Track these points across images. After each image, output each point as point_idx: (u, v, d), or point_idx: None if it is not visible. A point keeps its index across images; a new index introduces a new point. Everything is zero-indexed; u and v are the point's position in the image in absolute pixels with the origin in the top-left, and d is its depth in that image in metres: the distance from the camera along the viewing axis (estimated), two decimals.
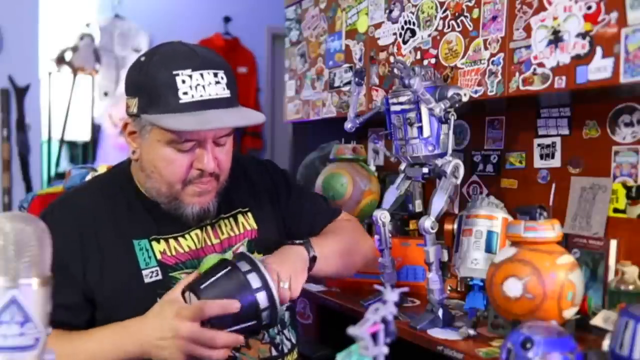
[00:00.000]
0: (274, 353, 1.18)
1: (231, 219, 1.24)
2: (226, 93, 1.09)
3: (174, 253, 1.15)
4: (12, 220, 0.65)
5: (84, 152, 4.02)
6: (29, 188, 3.36)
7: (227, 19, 4.39)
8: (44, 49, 3.57)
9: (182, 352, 0.97)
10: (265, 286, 0.99)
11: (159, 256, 1.13)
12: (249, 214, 1.27)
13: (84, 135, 3.97)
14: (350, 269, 1.35)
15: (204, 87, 1.06)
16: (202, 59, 1.09)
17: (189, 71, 1.05)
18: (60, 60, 3.82)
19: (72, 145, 4.00)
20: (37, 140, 3.47)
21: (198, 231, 1.19)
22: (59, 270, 1.05)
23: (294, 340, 1.25)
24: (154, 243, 1.14)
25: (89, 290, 1.10)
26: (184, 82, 1.05)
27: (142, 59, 1.12)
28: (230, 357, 1.11)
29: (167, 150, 1.09)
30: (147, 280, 1.11)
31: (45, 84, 3.73)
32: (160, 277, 1.12)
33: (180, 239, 1.17)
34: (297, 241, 1.18)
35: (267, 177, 1.34)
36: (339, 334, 0.98)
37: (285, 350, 1.21)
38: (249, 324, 0.99)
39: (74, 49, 3.83)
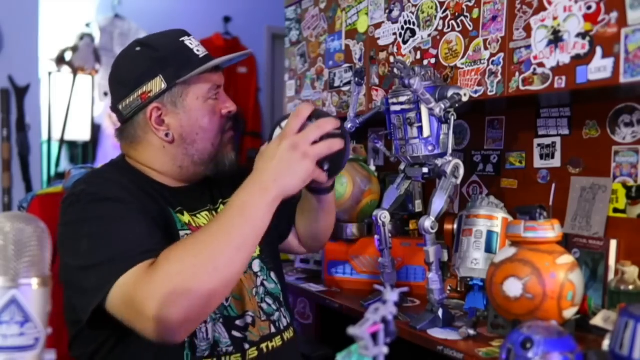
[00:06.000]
0: (273, 330, 1.22)
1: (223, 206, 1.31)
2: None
3: (196, 225, 1.20)
4: (12, 220, 0.65)
5: (84, 152, 4.01)
6: (29, 188, 3.36)
7: (227, 19, 4.39)
8: (44, 49, 3.57)
9: (310, 158, 1.03)
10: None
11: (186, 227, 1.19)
12: None
13: (84, 135, 3.96)
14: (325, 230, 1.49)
15: (200, 46, 1.24)
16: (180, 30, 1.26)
17: (185, 37, 1.22)
18: (60, 60, 3.82)
19: (72, 145, 3.99)
20: (37, 140, 3.46)
21: (207, 213, 1.25)
22: (144, 218, 1.07)
23: (289, 319, 1.29)
24: (178, 214, 1.19)
25: None
26: (191, 43, 1.21)
27: (138, 48, 1.21)
28: (241, 338, 1.15)
29: (207, 103, 1.21)
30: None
31: (45, 84, 3.73)
32: None
33: (195, 217, 1.22)
34: None
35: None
36: (339, 334, 0.98)
37: (282, 328, 1.25)
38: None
39: (74, 49, 3.83)
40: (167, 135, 1.19)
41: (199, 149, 1.20)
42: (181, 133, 1.19)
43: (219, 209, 1.29)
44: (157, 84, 1.16)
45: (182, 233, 1.16)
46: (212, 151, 1.22)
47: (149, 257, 0.98)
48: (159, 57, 1.17)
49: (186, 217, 1.20)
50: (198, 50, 1.20)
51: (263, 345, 1.18)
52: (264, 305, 1.23)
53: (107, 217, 1.06)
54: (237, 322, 1.17)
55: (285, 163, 1.02)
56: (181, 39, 1.20)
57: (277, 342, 1.21)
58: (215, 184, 1.30)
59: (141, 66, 1.18)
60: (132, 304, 0.94)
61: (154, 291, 0.92)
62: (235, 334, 1.15)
